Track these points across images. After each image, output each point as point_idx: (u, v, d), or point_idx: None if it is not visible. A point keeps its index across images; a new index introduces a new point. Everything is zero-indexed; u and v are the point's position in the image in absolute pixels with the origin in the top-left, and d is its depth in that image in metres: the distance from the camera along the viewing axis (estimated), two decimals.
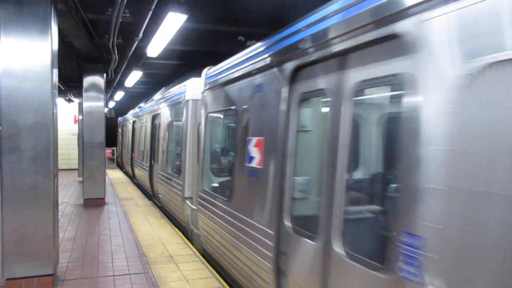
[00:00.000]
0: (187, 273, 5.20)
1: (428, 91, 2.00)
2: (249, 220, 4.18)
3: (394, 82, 2.33)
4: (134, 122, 16.50)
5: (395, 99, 2.51)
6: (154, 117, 11.38)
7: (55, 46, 4.93)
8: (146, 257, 5.88)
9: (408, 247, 2.04)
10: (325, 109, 3.06)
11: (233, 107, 4.94)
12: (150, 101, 13.93)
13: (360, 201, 3.24)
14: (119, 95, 19.58)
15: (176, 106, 8.47)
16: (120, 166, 22.25)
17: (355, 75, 2.67)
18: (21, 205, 4.52)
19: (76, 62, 11.08)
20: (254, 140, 4.18)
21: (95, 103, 10.14)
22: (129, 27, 7.07)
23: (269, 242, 3.67)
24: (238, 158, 4.64)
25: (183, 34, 7.66)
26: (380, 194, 3.06)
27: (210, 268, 5.43)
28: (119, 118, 24.06)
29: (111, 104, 24.90)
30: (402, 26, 2.19)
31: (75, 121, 18.28)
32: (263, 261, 3.78)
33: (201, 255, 6.15)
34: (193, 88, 7.26)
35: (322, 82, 3.06)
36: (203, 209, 5.95)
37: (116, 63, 9.35)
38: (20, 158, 4.51)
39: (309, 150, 3.51)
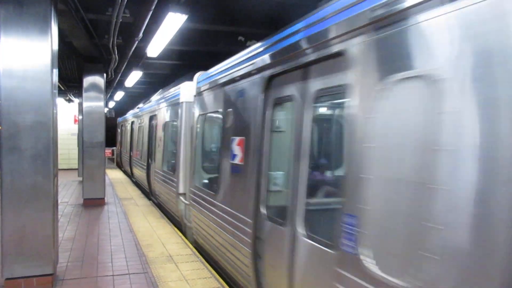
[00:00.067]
0: (187, 273, 5.21)
1: (360, 100, 2.53)
2: (232, 210, 4.68)
3: (341, 91, 2.82)
4: (132, 123, 16.67)
5: (341, 106, 3.04)
6: (151, 118, 11.71)
7: (55, 46, 4.94)
8: (146, 257, 5.89)
9: (348, 226, 2.53)
10: (293, 113, 3.55)
11: (220, 110, 5.46)
12: (148, 102, 14.24)
13: (318, 190, 3.64)
14: (119, 95, 19.59)
15: (171, 107, 8.89)
16: (120, 166, 22.29)
17: (314, 84, 3.19)
18: (21, 205, 4.52)
19: (76, 62, 11.08)
20: (236, 139, 4.65)
21: (95, 103, 10.16)
22: (129, 27, 7.08)
23: (248, 229, 4.13)
24: (224, 156, 5.10)
25: (183, 34, 7.68)
26: (333, 184, 3.52)
27: (210, 268, 5.44)
28: (119, 118, 24.08)
29: (111, 104, 24.91)
30: (344, 45, 2.72)
31: (75, 121, 18.30)
32: (243, 246, 4.25)
33: (194, 247, 6.44)
34: (186, 91, 7.61)
35: (290, 89, 3.57)
36: (194, 203, 6.43)
37: (116, 63, 9.35)
38: (20, 158, 4.52)
39: (281, 148, 3.92)
